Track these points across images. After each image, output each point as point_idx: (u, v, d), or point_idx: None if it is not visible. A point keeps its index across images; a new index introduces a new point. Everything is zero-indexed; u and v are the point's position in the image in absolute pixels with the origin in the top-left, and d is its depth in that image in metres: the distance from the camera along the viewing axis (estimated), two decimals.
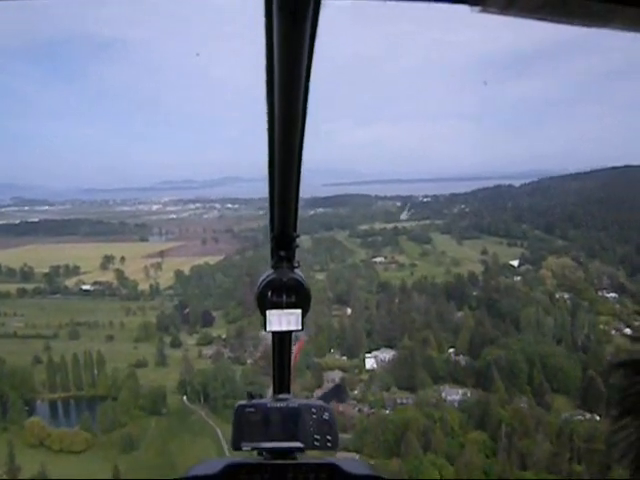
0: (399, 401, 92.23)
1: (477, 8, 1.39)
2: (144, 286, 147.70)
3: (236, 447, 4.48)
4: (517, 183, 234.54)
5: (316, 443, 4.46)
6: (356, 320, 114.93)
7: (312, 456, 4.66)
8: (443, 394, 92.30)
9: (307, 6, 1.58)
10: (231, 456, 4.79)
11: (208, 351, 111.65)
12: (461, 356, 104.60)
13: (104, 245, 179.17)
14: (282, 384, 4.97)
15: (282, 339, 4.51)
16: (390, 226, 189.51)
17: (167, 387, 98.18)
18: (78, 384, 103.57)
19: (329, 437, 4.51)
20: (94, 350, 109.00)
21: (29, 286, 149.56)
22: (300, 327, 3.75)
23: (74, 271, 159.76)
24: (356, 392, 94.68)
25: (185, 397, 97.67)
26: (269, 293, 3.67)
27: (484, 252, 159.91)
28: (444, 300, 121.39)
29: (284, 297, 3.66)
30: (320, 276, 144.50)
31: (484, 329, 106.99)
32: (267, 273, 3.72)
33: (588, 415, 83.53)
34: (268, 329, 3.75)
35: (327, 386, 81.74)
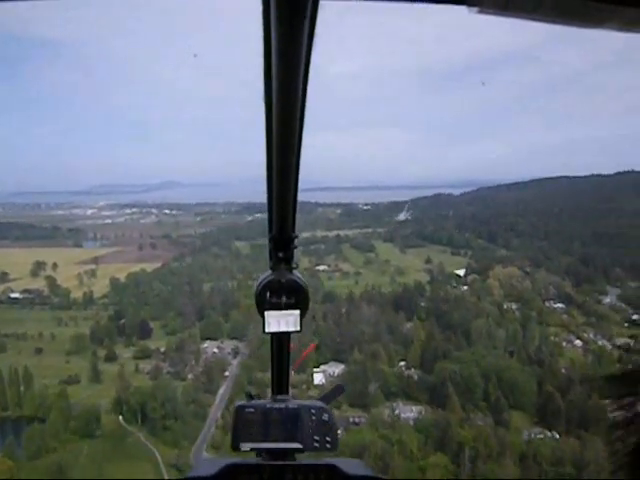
0: (351, 420, 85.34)
1: (475, 9, 1.37)
2: (77, 294, 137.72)
3: (235, 448, 4.29)
4: (456, 192, 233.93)
5: (315, 444, 4.30)
6: (302, 332, 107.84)
7: (311, 457, 4.53)
8: (397, 411, 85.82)
9: (305, 6, 1.55)
10: (230, 457, 4.54)
11: (146, 365, 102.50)
12: (412, 370, 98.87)
13: (35, 250, 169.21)
14: (281, 385, 4.73)
15: (280, 340, 4.32)
16: (332, 234, 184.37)
17: (101, 406, 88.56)
18: (2, 403, 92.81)
19: (328, 438, 4.35)
20: (21, 365, 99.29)
21: None
22: (299, 328, 3.68)
23: (2, 278, 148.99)
24: None
25: (121, 417, 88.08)
26: (267, 294, 3.60)
27: (428, 261, 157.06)
28: (392, 311, 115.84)
29: (283, 298, 3.61)
30: None
31: (435, 341, 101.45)
32: (265, 274, 3.65)
33: (548, 433, 78.77)
34: (267, 330, 3.65)
35: None
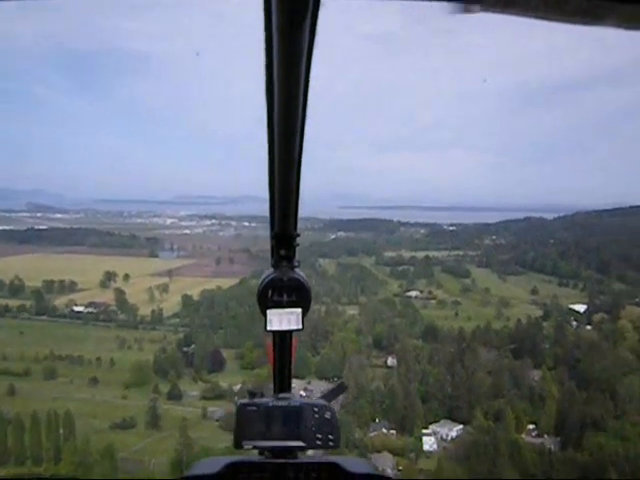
0: None
1: (476, 7, 1.31)
2: (145, 311, 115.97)
3: (237, 446, 4.02)
4: (549, 216, 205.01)
5: (318, 442, 4.00)
6: (405, 377, 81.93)
7: (313, 455, 4.30)
8: None
9: (306, 7, 1.49)
10: (232, 455, 4.28)
11: (216, 409, 78.45)
12: (546, 437, 72.30)
13: (109, 259, 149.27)
14: (283, 383, 4.54)
15: (283, 338, 4.11)
16: (420, 255, 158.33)
17: (155, 467, 64.78)
18: (36, 455, 69.18)
19: (331, 436, 4.04)
20: (70, 398, 76.84)
21: (14, 303, 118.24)
22: (300, 326, 3.51)
23: (70, 287, 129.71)
24: None
25: None
26: (269, 292, 3.46)
27: (534, 291, 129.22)
28: (510, 354, 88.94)
29: (285, 296, 3.46)
30: (352, 311, 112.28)
31: (574, 401, 74.25)
32: (268, 272, 3.51)
33: None
34: (269, 328, 3.48)
35: None
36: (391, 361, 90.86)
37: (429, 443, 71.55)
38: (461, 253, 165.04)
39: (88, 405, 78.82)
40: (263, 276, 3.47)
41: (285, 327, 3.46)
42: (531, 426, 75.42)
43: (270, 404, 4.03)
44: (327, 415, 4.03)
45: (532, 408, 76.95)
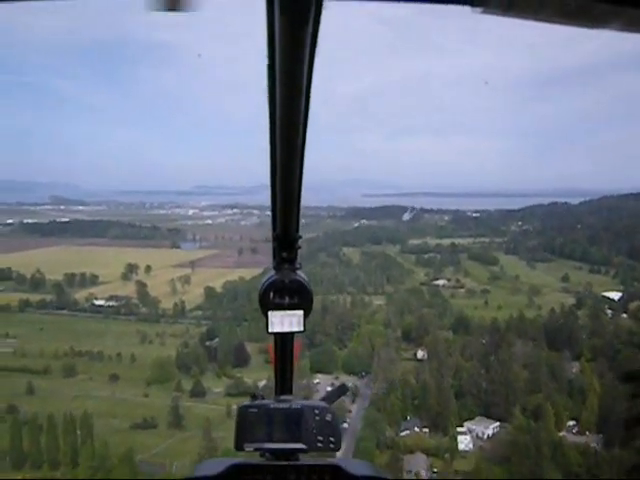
0: None
1: (479, 9, 1.31)
2: (167, 304, 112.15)
3: (239, 448, 3.94)
4: (574, 201, 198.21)
5: (319, 444, 3.92)
6: (437, 371, 76.95)
7: (314, 457, 4.16)
8: None
9: (309, 7, 1.48)
10: (233, 457, 4.14)
11: None
12: (588, 435, 67.19)
13: (131, 250, 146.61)
14: (284, 385, 4.43)
15: (284, 340, 4.05)
16: (445, 242, 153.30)
17: (178, 470, 60.59)
18: (53, 458, 65.14)
19: (332, 438, 3.96)
20: (89, 395, 73.20)
21: (35, 297, 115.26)
22: (302, 328, 3.45)
23: (91, 280, 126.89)
24: None
25: None
26: (271, 294, 3.38)
27: (565, 279, 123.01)
28: (546, 345, 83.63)
29: (286, 298, 3.39)
30: (378, 301, 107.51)
31: (616, 393, 68.29)
32: (269, 274, 3.45)
33: None
34: (270, 330, 3.42)
35: None
36: (421, 354, 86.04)
37: (464, 442, 66.64)
38: (487, 240, 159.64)
39: (108, 404, 75.30)
40: (264, 278, 3.43)
41: (287, 329, 3.40)
42: (571, 422, 70.41)
43: (271, 406, 3.92)
44: (328, 417, 3.92)
45: (572, 403, 71.88)
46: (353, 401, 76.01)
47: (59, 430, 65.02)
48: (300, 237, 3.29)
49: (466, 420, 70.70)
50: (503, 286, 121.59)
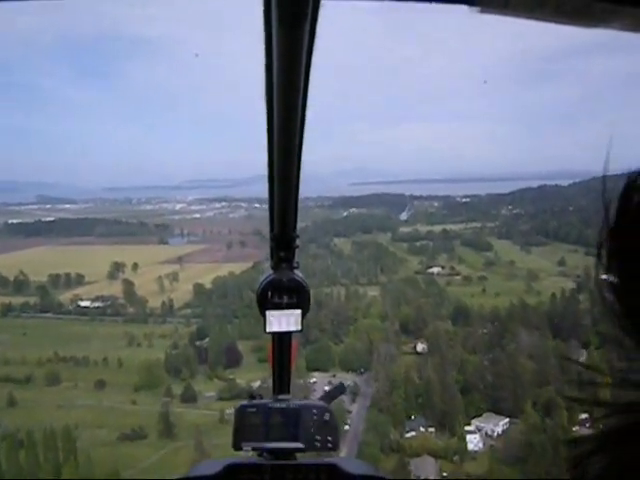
0: None
1: (476, 8, 1.28)
2: (155, 303, 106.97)
3: (237, 447, 4.03)
4: (564, 183, 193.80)
5: (317, 444, 4.00)
6: (439, 365, 72.12)
7: (312, 457, 4.25)
8: None
9: (306, 7, 1.47)
10: (231, 456, 4.21)
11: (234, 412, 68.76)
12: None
13: (117, 248, 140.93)
14: (282, 385, 4.44)
15: (282, 340, 4.08)
16: (437, 229, 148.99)
17: None
18: (33, 475, 59.55)
19: (330, 438, 4.03)
20: (74, 405, 67.94)
21: (18, 300, 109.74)
22: (300, 328, 3.51)
23: (77, 281, 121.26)
24: None
25: None
26: (269, 294, 3.45)
27: (562, 263, 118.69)
28: (550, 333, 78.95)
29: (284, 298, 3.45)
30: (372, 292, 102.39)
31: (628, 383, 63.58)
32: (267, 274, 3.51)
33: None
34: (268, 329, 3.48)
35: None
36: (421, 347, 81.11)
37: (474, 442, 61.90)
38: (479, 225, 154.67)
39: (94, 413, 70.17)
40: (262, 277, 3.44)
41: (284, 328, 3.42)
42: (584, 415, 65.79)
43: (269, 406, 3.94)
44: (326, 417, 3.93)
45: (583, 395, 67.25)
46: (353, 400, 71.09)
47: (40, 445, 59.72)
48: (298, 236, 3.25)
49: (474, 417, 65.98)
50: (499, 272, 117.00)
